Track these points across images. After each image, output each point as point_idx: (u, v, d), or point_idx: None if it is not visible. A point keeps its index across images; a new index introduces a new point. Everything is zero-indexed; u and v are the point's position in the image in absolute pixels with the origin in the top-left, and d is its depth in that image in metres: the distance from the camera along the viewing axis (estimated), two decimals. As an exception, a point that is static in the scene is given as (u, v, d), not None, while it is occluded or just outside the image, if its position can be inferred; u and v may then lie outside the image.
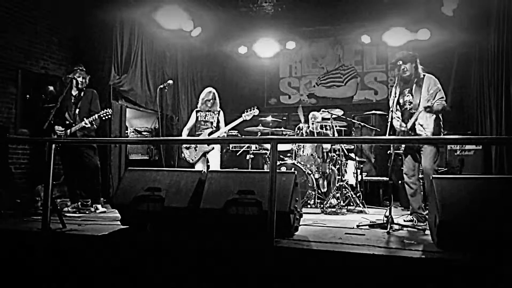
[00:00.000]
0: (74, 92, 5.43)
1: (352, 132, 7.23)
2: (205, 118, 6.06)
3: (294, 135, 7.07)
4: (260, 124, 7.22)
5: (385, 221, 4.10)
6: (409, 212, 4.73)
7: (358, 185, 6.38)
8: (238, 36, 9.09)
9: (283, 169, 6.13)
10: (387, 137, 4.32)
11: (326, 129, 6.86)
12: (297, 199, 3.83)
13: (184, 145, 6.14)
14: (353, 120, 6.86)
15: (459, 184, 3.39)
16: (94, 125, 5.29)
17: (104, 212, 5.25)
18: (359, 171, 6.55)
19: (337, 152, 6.48)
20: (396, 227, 4.08)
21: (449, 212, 3.18)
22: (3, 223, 4.31)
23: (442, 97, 4.43)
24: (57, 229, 3.83)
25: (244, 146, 7.66)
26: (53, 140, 4.73)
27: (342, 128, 7.20)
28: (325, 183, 6.52)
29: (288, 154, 6.82)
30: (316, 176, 6.30)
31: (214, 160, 6.01)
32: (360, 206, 5.86)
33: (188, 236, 3.58)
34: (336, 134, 6.68)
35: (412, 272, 2.84)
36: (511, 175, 5.66)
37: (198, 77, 9.25)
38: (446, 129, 4.76)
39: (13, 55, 6.23)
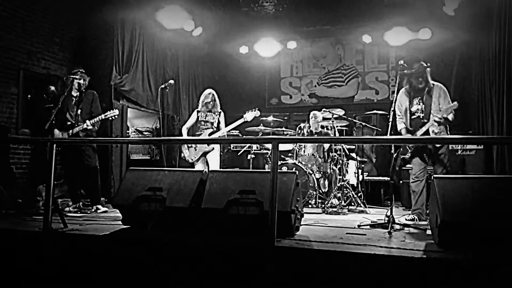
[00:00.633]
0: (75, 93, 5.45)
1: (353, 132, 7.23)
2: (205, 118, 6.08)
3: (295, 135, 7.06)
4: (261, 124, 7.22)
5: (386, 221, 4.10)
6: (410, 212, 4.76)
7: (359, 185, 6.38)
8: (239, 36, 9.09)
9: (284, 169, 6.13)
10: (388, 137, 4.34)
11: (327, 129, 6.86)
12: (298, 199, 3.84)
13: (186, 145, 6.16)
14: (354, 120, 6.86)
15: (460, 184, 3.39)
16: (96, 127, 5.33)
17: (106, 212, 5.26)
18: (360, 171, 6.55)
19: (338, 152, 6.48)
20: (397, 227, 4.09)
21: (450, 212, 3.18)
22: (4, 222, 4.32)
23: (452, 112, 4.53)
24: (58, 229, 3.83)
25: (245, 146, 7.66)
26: (54, 140, 4.73)
27: (343, 128, 7.20)
28: (326, 183, 6.52)
29: (289, 154, 6.82)
30: (317, 176, 6.30)
31: (214, 161, 6.02)
32: (361, 206, 5.86)
33: (189, 236, 3.58)
34: (337, 134, 6.68)
35: (413, 272, 2.84)
36: (512, 175, 5.67)
37: (199, 77, 9.26)
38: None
39: (15, 55, 6.25)
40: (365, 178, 6.97)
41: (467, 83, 7.61)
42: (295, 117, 9.39)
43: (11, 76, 6.21)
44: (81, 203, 5.38)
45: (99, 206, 5.33)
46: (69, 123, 5.33)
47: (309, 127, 6.81)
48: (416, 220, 4.49)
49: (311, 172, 6.19)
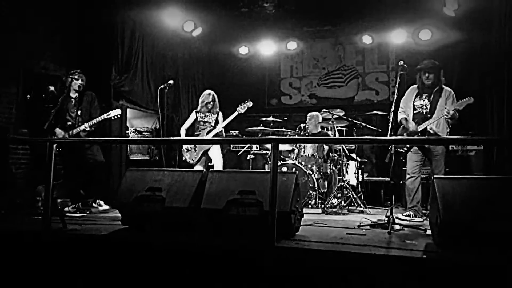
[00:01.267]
0: (73, 94, 5.50)
1: (353, 132, 7.21)
2: (204, 118, 6.12)
3: (295, 136, 7.06)
4: (261, 125, 7.21)
5: (386, 221, 4.10)
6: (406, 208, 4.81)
7: (359, 185, 6.38)
8: (239, 36, 9.09)
9: (284, 169, 6.13)
10: (388, 137, 4.35)
11: (327, 129, 6.85)
12: (298, 199, 3.83)
13: (184, 148, 6.19)
14: (354, 121, 6.86)
15: (460, 184, 3.38)
16: (93, 128, 5.36)
17: (107, 210, 5.27)
18: (360, 171, 6.54)
19: (338, 153, 6.47)
20: (397, 227, 4.09)
21: (451, 212, 3.18)
22: (3, 223, 4.31)
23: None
24: (58, 229, 3.82)
25: (245, 146, 7.65)
26: (53, 140, 4.73)
27: (343, 129, 7.19)
28: (326, 183, 6.51)
29: (289, 154, 6.82)
30: (317, 176, 6.29)
31: (217, 158, 6.06)
32: (361, 206, 5.85)
33: (188, 236, 3.57)
34: (337, 135, 6.67)
35: (413, 272, 2.83)
36: (512, 175, 5.66)
37: (198, 77, 9.24)
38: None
39: (14, 55, 6.23)
40: (365, 178, 6.96)
41: (467, 83, 7.60)
42: (295, 117, 9.37)
43: (10, 76, 6.19)
44: (80, 203, 5.38)
45: (101, 202, 5.35)
46: (69, 123, 5.37)
47: (306, 128, 6.80)
48: (413, 216, 4.55)
49: (311, 172, 6.19)
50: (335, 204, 5.76)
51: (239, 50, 9.29)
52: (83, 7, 6.79)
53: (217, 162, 6.08)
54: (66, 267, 3.49)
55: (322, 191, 6.36)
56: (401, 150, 4.77)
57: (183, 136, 6.19)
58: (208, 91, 6.27)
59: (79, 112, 5.40)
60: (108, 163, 6.58)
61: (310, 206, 5.99)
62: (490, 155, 6.37)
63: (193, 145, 6.12)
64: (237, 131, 7.73)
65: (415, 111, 4.78)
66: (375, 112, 6.62)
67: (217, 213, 3.63)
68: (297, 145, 6.55)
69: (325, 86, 9.71)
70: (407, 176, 4.82)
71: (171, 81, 6.03)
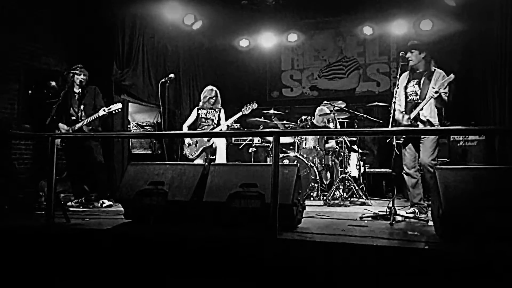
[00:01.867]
0: (77, 89, 5.52)
1: (355, 124, 7.21)
2: (206, 115, 6.15)
3: (296, 128, 7.05)
4: (263, 117, 7.21)
5: (388, 213, 4.11)
6: (409, 204, 4.73)
7: (361, 177, 6.38)
8: (239, 29, 9.05)
9: (286, 161, 6.13)
10: (390, 128, 4.32)
11: (328, 122, 6.84)
12: (299, 191, 3.84)
13: (186, 142, 6.21)
14: (355, 112, 6.85)
15: (462, 175, 3.37)
16: (96, 122, 5.38)
17: (111, 205, 5.30)
18: (362, 163, 6.54)
19: (339, 144, 6.47)
20: (399, 218, 4.09)
21: (452, 203, 3.17)
22: (6, 218, 4.34)
23: (447, 92, 4.43)
24: (61, 224, 3.84)
25: (246, 139, 7.65)
26: (55, 135, 4.75)
27: (345, 120, 7.18)
28: (328, 175, 6.52)
29: (291, 147, 6.82)
30: (319, 168, 6.30)
31: (221, 152, 6.10)
32: (363, 198, 5.86)
33: (191, 229, 3.59)
34: (338, 127, 6.66)
35: (415, 263, 2.84)
36: (515, 165, 5.64)
37: (199, 70, 9.22)
38: (449, 120, 4.76)
39: (15, 51, 6.23)
40: (366, 170, 6.96)
41: (468, 74, 7.57)
42: (297, 109, 9.35)
43: (12, 71, 6.19)
44: (83, 198, 5.41)
45: (105, 200, 5.38)
46: (73, 118, 5.39)
47: (311, 119, 6.78)
48: (417, 214, 4.42)
49: (312, 164, 6.19)
50: (337, 196, 5.77)
51: (239, 43, 9.25)
52: (83, 1, 6.77)
53: (222, 155, 6.10)
54: (69, 262, 3.51)
55: (324, 183, 6.37)
56: (399, 141, 4.71)
57: None
58: (210, 86, 6.29)
59: (82, 107, 5.43)
60: (111, 158, 6.61)
61: (312, 198, 6.00)
62: (492, 145, 6.36)
63: (194, 140, 6.14)
64: (238, 124, 7.73)
65: (407, 99, 4.65)
66: (376, 103, 6.60)
67: (219, 206, 3.65)
68: (299, 138, 6.55)
69: (326, 78, 9.68)
70: (404, 171, 4.70)
71: (172, 75, 6.03)
